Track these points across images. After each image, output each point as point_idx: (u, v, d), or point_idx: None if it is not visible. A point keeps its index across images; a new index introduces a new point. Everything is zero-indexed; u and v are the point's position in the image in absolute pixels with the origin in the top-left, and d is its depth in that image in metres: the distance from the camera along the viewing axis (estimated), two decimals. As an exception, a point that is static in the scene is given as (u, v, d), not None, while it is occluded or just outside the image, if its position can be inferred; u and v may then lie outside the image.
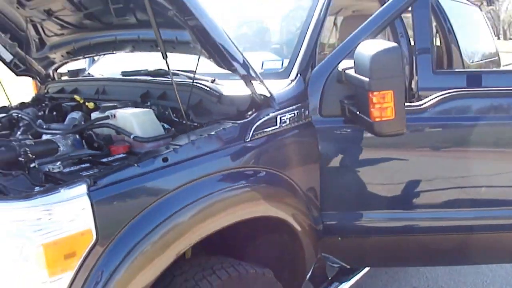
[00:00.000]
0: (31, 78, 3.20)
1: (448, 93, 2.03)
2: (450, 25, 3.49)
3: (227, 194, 1.61)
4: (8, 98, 2.68)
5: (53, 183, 1.35)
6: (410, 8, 2.65)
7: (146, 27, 1.98)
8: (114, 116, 1.73)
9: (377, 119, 1.63)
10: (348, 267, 2.25)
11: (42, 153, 1.53)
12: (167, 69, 1.71)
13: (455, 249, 2.18)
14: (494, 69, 3.53)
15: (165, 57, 1.68)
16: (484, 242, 2.17)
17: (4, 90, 2.71)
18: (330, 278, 2.28)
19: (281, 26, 2.54)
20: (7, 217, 1.24)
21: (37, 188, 1.31)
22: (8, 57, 2.76)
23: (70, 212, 1.24)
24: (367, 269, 2.46)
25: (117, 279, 1.30)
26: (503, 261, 2.63)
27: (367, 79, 1.62)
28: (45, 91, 2.71)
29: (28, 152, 1.47)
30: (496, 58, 4.46)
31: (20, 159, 1.46)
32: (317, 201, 1.99)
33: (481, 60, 4.01)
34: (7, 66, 2.83)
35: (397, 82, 1.63)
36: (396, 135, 1.71)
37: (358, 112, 1.73)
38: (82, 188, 1.27)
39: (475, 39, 4.09)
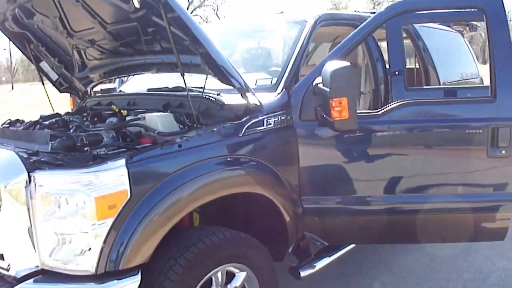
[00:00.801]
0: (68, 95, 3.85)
1: (399, 102, 2.59)
2: (427, 49, 4.05)
3: (223, 172, 2.20)
4: (52, 108, 3.31)
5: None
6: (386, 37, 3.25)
7: (168, 53, 2.62)
8: (144, 118, 2.33)
9: (336, 119, 2.20)
10: (327, 244, 2.77)
11: (92, 142, 2.11)
12: (183, 86, 2.32)
13: (407, 228, 2.71)
14: (451, 86, 4.06)
15: (183, 75, 2.29)
16: (429, 222, 2.69)
17: (50, 102, 3.36)
18: (313, 255, 2.81)
19: (272, 53, 3.17)
20: (70, 180, 1.83)
21: (90, 163, 1.90)
22: (54, 76, 3.42)
23: (113, 177, 1.83)
24: (346, 249, 2.98)
25: (143, 225, 1.87)
26: (449, 240, 3.11)
27: (328, 89, 2.19)
28: (84, 104, 3.33)
29: (83, 140, 2.07)
30: (477, 78, 4.93)
31: (77, 144, 2.06)
32: (297, 188, 2.54)
33: (459, 80, 4.52)
34: (53, 84, 3.47)
35: (350, 91, 2.20)
36: (350, 130, 2.28)
37: (324, 115, 2.30)
38: (122, 161, 1.85)
39: (453, 62, 4.59)
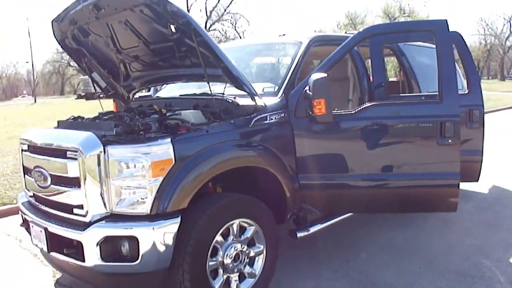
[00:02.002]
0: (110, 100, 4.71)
1: (368, 104, 3.44)
2: (410, 64, 4.87)
3: (237, 150, 3.07)
4: (102, 108, 4.13)
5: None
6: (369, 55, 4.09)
7: (196, 67, 3.50)
8: (180, 114, 3.19)
9: (317, 114, 3.05)
10: (318, 213, 3.59)
11: (144, 128, 2.95)
12: (207, 92, 3.19)
13: (378, 200, 3.53)
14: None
15: (208, 83, 3.16)
16: (396, 195, 3.50)
17: (101, 104, 4.21)
18: (308, 223, 3.62)
19: (275, 67, 4.05)
20: (134, 151, 2.68)
21: (147, 140, 2.74)
22: (103, 84, 4.27)
23: (163, 149, 2.69)
24: (335, 220, 3.79)
25: (182, 182, 2.71)
26: (413, 210, 3.93)
27: (311, 93, 3.05)
28: (130, 106, 4.19)
29: (139, 127, 2.93)
30: (466, 91, 5.70)
31: (135, 130, 2.91)
32: (294, 167, 3.37)
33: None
34: (101, 90, 4.35)
35: (326, 94, 3.05)
36: (327, 122, 3.12)
37: (310, 112, 3.14)
38: (168, 139, 2.72)
39: (434, 75, 5.33)
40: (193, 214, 2.79)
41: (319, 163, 3.42)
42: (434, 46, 5.43)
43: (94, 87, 4.27)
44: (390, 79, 6.69)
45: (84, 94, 47.01)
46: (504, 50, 75.58)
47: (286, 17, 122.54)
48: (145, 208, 2.66)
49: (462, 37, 4.55)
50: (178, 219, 2.69)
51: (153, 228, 2.62)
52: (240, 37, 46.05)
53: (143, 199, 2.66)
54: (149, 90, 4.64)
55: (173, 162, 2.71)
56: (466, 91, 4.50)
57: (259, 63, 4.31)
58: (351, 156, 3.47)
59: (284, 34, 4.25)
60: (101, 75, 4.19)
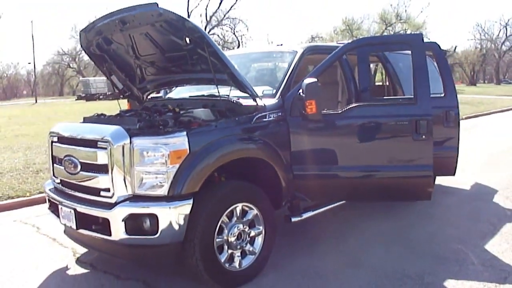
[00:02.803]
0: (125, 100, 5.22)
1: (354, 105, 3.97)
2: (395, 70, 5.41)
3: (241, 144, 3.57)
4: (120, 107, 4.65)
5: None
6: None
7: (205, 72, 4.01)
8: (193, 112, 3.71)
9: (309, 113, 3.58)
10: (310, 200, 4.10)
11: (164, 124, 3.44)
12: (214, 94, 3.72)
13: (361, 189, 4.06)
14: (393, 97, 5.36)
15: (217, 86, 3.69)
16: (377, 185, 4.03)
17: (119, 105, 4.73)
18: (302, 210, 4.14)
19: (273, 73, 4.59)
20: (155, 141, 3.19)
21: (166, 132, 3.25)
22: (120, 86, 4.77)
23: (180, 141, 3.20)
24: (325, 208, 4.31)
25: (196, 169, 3.22)
26: (392, 200, 4.48)
27: (304, 95, 3.58)
28: (145, 105, 4.70)
29: (159, 122, 3.44)
30: (442, 94, 6.22)
31: (155, 124, 3.43)
32: (289, 159, 3.89)
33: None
34: (119, 91, 4.84)
35: (316, 96, 3.57)
36: (317, 120, 3.65)
37: (303, 111, 3.67)
38: (184, 132, 3.23)
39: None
40: (204, 197, 3.30)
41: (310, 156, 3.95)
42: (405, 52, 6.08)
43: (113, 89, 4.77)
44: (378, 84, 7.23)
45: (84, 95, 47.78)
46: (500, 54, 76.43)
47: (286, 17, 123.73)
48: (163, 191, 3.18)
49: (439, 47, 5.08)
50: (191, 201, 3.20)
51: (170, 208, 3.14)
52: (239, 42, 46.73)
53: (162, 183, 3.18)
54: (158, 92, 5.14)
55: (188, 151, 3.22)
56: (443, 95, 5.01)
57: (259, 69, 4.87)
58: (338, 150, 4.01)
59: (281, 44, 4.81)
60: (119, 78, 4.70)
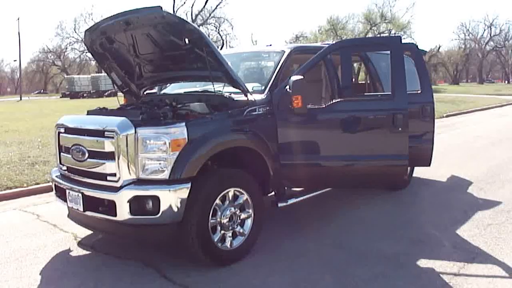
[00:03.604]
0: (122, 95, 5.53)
1: (336, 100, 4.36)
2: (375, 69, 5.81)
3: (233, 134, 3.94)
4: (119, 102, 4.98)
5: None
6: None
7: (201, 70, 4.35)
8: (189, 105, 4.06)
9: (295, 107, 3.96)
10: (296, 187, 4.49)
11: (164, 116, 3.76)
12: (208, 89, 4.09)
13: (342, 178, 4.46)
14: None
15: (213, 83, 4.06)
16: (357, 173, 4.43)
17: (118, 100, 5.05)
18: (288, 196, 4.52)
19: (263, 71, 4.96)
20: (158, 131, 3.54)
21: (167, 123, 3.60)
22: (119, 82, 5.08)
23: (179, 130, 3.56)
24: (310, 195, 4.70)
25: (193, 156, 3.57)
26: (372, 186, 4.93)
27: (290, 91, 3.96)
28: (143, 100, 5.03)
29: (160, 114, 3.78)
30: (419, 91, 6.62)
31: (157, 116, 3.76)
32: (276, 149, 4.26)
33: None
34: (118, 87, 5.17)
35: (302, 92, 3.95)
36: (303, 113, 4.03)
37: (290, 106, 4.05)
38: (183, 123, 3.59)
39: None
40: (200, 182, 3.65)
41: (296, 147, 4.33)
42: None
43: (113, 85, 5.10)
44: (361, 82, 7.66)
45: (68, 93, 47.63)
46: (483, 54, 77.85)
47: (270, 16, 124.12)
48: (165, 175, 3.53)
49: (417, 47, 5.50)
50: (189, 185, 3.56)
51: (170, 190, 3.49)
52: (223, 41, 46.98)
53: (163, 168, 3.53)
54: (152, 88, 5.47)
55: (187, 140, 3.58)
56: (420, 91, 5.41)
57: (250, 67, 5.26)
58: (322, 141, 4.41)
59: (270, 44, 5.19)
60: (118, 75, 5.01)
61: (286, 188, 4.50)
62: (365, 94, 5.55)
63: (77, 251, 4.38)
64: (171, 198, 3.48)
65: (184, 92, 4.89)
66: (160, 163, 3.54)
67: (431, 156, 5.50)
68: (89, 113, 4.42)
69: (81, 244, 4.54)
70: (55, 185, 4.32)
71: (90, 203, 3.78)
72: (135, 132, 3.55)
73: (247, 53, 5.61)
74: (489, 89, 47.29)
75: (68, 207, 4.11)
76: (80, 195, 3.82)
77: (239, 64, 5.25)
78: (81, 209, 3.84)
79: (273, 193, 4.48)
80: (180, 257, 3.98)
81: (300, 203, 4.73)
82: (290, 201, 4.49)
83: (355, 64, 6.96)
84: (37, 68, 77.20)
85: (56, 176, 4.29)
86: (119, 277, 3.74)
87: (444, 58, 71.14)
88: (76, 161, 3.93)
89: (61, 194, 4.17)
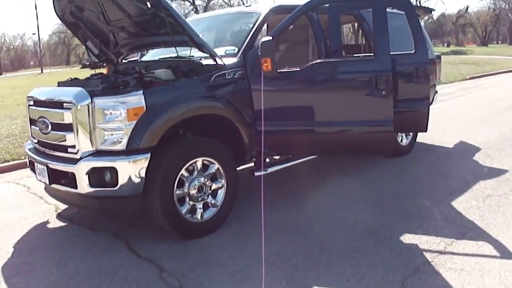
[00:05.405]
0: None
1: (313, 62, 4.08)
2: (370, 29, 5.42)
3: (198, 101, 3.74)
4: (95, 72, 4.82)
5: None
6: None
7: (177, 34, 4.11)
8: (154, 72, 3.86)
9: (265, 70, 3.71)
10: (274, 154, 4.28)
11: (124, 84, 3.62)
12: (182, 55, 3.88)
13: (321, 144, 4.22)
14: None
15: (176, 48, 3.86)
16: (335, 139, 4.18)
17: (95, 70, 4.90)
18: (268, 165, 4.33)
19: (238, 33, 4.69)
20: (114, 100, 3.38)
21: (124, 92, 3.44)
22: (96, 51, 4.95)
23: (136, 99, 3.38)
24: (290, 163, 4.49)
25: (151, 125, 3.40)
26: (351, 153, 4.66)
27: (259, 53, 3.70)
28: (117, 68, 4.87)
29: (119, 83, 3.61)
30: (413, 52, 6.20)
31: (116, 85, 3.60)
32: (251, 116, 4.05)
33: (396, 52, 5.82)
34: (95, 56, 5.02)
35: (271, 54, 3.68)
36: (273, 76, 3.78)
37: (261, 69, 3.79)
38: (140, 91, 3.40)
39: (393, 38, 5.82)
40: (161, 152, 3.49)
41: (273, 113, 4.08)
42: (394, 11, 6.04)
43: (88, 54, 4.93)
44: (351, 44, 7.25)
45: (88, 63, 47.76)
46: (514, 14, 74.43)
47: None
48: (122, 145, 3.38)
49: (410, 3, 5.07)
50: (148, 155, 3.41)
51: (129, 161, 3.35)
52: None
53: (121, 138, 3.38)
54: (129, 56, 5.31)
55: (145, 109, 3.40)
56: (413, 51, 5.00)
57: (226, 30, 4.97)
58: (298, 106, 4.15)
59: (250, 5, 4.88)
60: (94, 44, 4.87)
61: (266, 156, 4.29)
62: (346, 56, 5.20)
63: (54, 223, 4.35)
64: (129, 170, 3.34)
65: (159, 59, 4.68)
66: (117, 134, 3.38)
67: (427, 121, 5.15)
68: (59, 84, 4.29)
69: (59, 216, 4.51)
70: (28, 158, 4.25)
71: (54, 176, 3.69)
72: (92, 102, 3.40)
73: (225, 16, 5.30)
74: (518, 51, 45.19)
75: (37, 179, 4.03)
76: (45, 167, 3.74)
77: (218, 27, 4.98)
78: (47, 182, 3.76)
79: (249, 160, 4.28)
80: (150, 230, 3.87)
81: (285, 173, 4.55)
82: (270, 170, 4.30)
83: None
84: (59, 40, 77.81)
85: (29, 149, 4.21)
86: (88, 249, 3.69)
87: (472, 19, 68.17)
88: (42, 133, 3.83)
89: (32, 167, 4.10)
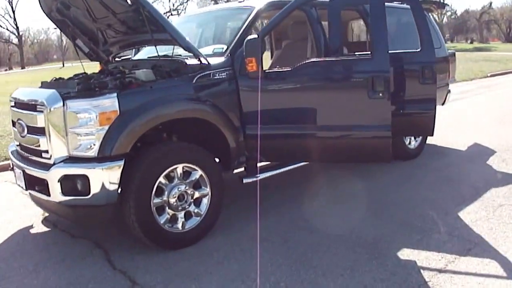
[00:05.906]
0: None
1: (303, 62, 3.79)
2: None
3: (179, 104, 3.50)
4: (84, 71, 4.65)
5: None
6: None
7: (156, 32, 3.89)
8: (135, 73, 3.65)
9: (250, 70, 3.45)
10: (264, 159, 4.03)
11: (101, 86, 3.41)
12: (168, 54, 3.69)
13: (313, 150, 3.94)
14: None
15: (155, 46, 3.65)
16: (328, 145, 3.90)
17: (83, 67, 4.72)
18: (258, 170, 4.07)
19: (228, 30, 4.44)
20: (85, 104, 3.18)
21: (96, 95, 3.23)
22: (86, 50, 4.78)
23: (109, 102, 3.17)
24: (281, 170, 4.23)
25: (125, 130, 3.18)
26: (346, 161, 4.37)
27: (244, 53, 3.44)
28: (106, 67, 4.68)
29: (95, 85, 3.41)
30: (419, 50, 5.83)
31: (92, 87, 3.40)
32: (239, 119, 3.80)
33: (403, 51, 5.43)
34: (85, 55, 4.85)
35: (257, 54, 3.43)
36: (257, 77, 3.52)
37: (246, 70, 3.54)
38: (114, 94, 3.19)
39: (398, 36, 5.35)
40: (137, 158, 3.29)
41: (262, 116, 3.82)
42: (402, 6, 5.67)
43: (77, 53, 4.77)
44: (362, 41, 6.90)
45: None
46: (540, 10, 72.09)
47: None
48: (93, 152, 3.19)
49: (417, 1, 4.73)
50: (122, 162, 3.20)
51: (100, 169, 3.15)
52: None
53: (92, 144, 3.18)
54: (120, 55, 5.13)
55: (118, 113, 3.19)
56: (419, 49, 4.66)
57: (218, 27, 4.71)
58: (289, 109, 3.87)
59: (243, 0, 4.62)
60: (84, 42, 4.71)
61: (256, 162, 4.04)
62: (341, 55, 4.89)
63: (37, 228, 4.20)
64: (102, 177, 3.15)
65: (148, 58, 4.47)
66: (89, 139, 3.19)
67: (434, 124, 4.83)
68: (42, 84, 4.13)
69: (45, 220, 4.36)
70: (10, 160, 4.10)
71: (30, 181, 3.53)
72: (64, 105, 3.21)
73: (217, 12, 5.05)
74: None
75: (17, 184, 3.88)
76: (22, 172, 3.58)
77: (211, 23, 4.73)
78: (24, 187, 3.60)
79: (237, 166, 4.03)
80: (132, 239, 3.67)
81: (277, 180, 4.28)
82: (261, 176, 4.04)
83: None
84: (84, 34, 78.56)
85: (11, 152, 4.07)
86: (62, 259, 3.52)
87: (496, 15, 66.28)
88: (20, 136, 3.68)
89: (13, 169, 3.95)
